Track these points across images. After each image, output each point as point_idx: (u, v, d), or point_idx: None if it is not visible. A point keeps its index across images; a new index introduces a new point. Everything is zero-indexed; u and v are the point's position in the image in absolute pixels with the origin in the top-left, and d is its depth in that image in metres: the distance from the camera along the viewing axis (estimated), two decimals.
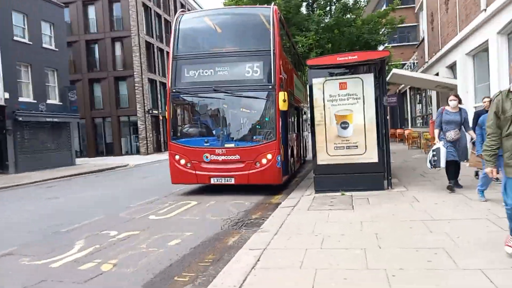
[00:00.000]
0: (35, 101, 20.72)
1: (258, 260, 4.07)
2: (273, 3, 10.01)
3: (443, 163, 6.74)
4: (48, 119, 21.11)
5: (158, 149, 34.12)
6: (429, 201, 6.36)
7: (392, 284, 3.24)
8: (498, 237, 4.12)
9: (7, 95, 18.76)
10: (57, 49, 22.76)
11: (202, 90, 9.15)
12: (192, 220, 6.68)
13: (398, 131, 25.21)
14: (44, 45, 21.84)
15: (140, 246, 5.13)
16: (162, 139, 35.76)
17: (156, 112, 34.40)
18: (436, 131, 7.08)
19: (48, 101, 21.74)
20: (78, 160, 25.36)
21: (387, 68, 20.34)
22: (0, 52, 18.57)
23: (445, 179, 7.22)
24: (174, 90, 9.21)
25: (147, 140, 32.02)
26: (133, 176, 16.03)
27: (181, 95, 9.33)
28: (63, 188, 13.00)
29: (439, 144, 6.84)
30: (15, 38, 19.77)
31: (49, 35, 22.52)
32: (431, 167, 6.95)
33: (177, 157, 9.15)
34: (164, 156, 29.80)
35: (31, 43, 20.79)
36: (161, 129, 35.47)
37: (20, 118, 19.06)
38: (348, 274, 3.51)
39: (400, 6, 30.09)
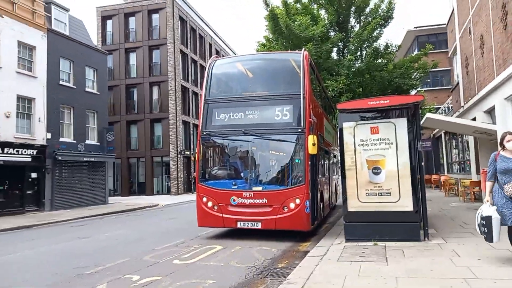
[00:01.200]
0: (75, 141, 21.73)
1: None
2: (303, 49, 10.19)
3: (496, 237, 5.20)
4: (85, 159, 21.97)
5: (188, 189, 34.38)
6: (471, 256, 5.84)
7: None
8: None
9: (49, 136, 19.81)
10: (98, 93, 24.10)
11: (232, 133, 9.20)
12: (216, 266, 6.46)
13: (434, 177, 24.15)
14: (87, 89, 23.21)
15: None
16: (192, 180, 36.08)
17: (188, 153, 35.07)
18: (489, 185, 5.47)
19: (87, 141, 22.73)
20: (111, 199, 25.92)
21: (420, 112, 20.00)
22: (46, 96, 19.88)
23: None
24: (204, 133, 9.33)
25: (178, 180, 32.43)
26: (162, 216, 16.05)
27: (211, 138, 9.41)
28: (93, 227, 13.15)
29: (490, 209, 5.28)
30: (60, 82, 21.16)
31: (92, 80, 23.97)
32: (482, 235, 5.49)
33: (204, 199, 9.09)
34: (194, 196, 29.95)
35: (75, 87, 22.17)
36: (192, 170, 35.91)
37: (60, 158, 19.93)
38: None
39: (432, 51, 30.07)
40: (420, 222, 7.36)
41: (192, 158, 35.25)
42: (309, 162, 8.60)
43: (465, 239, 7.19)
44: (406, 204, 7.34)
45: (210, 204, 8.99)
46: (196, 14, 40.05)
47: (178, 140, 33.14)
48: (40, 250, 8.91)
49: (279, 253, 7.40)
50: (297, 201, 8.37)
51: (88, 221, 15.13)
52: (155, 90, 34.14)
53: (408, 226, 7.32)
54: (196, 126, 37.52)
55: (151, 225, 13.00)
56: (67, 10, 23.10)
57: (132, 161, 33.74)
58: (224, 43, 47.72)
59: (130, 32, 35.22)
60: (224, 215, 8.81)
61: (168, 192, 32.57)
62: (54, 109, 20.33)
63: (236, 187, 8.90)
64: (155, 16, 35.00)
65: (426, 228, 7.43)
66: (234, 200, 8.76)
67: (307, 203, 8.39)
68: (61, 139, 20.81)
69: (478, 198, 14.20)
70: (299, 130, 8.69)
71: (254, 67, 10.09)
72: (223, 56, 46.67)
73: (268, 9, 16.06)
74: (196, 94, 38.29)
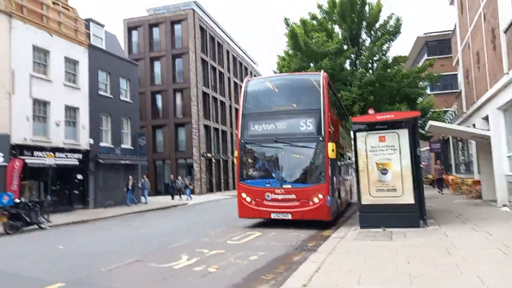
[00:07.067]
0: (112, 146, 24.08)
1: (319, 268, 5.80)
2: (322, 71, 12.17)
3: None
4: (122, 162, 24.30)
5: (210, 190, 36.56)
6: (456, 236, 7.76)
7: (413, 282, 4.85)
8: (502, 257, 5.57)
9: (91, 141, 22.18)
10: (131, 101, 26.46)
11: (265, 141, 11.29)
12: (261, 245, 8.51)
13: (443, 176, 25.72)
14: (121, 98, 25.57)
15: (229, 259, 7.03)
16: (214, 181, 38.28)
17: (210, 155, 37.27)
18: None
19: (122, 146, 25.08)
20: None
21: (429, 115, 21.73)
22: (89, 105, 22.27)
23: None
24: (242, 141, 11.42)
25: (201, 181, 34.66)
26: (196, 212, 18.18)
27: (248, 145, 11.51)
28: (142, 221, 15.34)
29: None
30: (100, 92, 23.54)
31: (125, 89, 26.33)
32: None
33: (243, 195, 11.17)
34: (216, 196, 32.29)
35: (111, 96, 24.54)
36: (213, 171, 38.13)
37: (101, 161, 22.29)
38: (382, 276, 5.17)
39: (441, 56, 31.46)
40: (419, 213, 9.27)
41: (214, 161, 37.50)
42: (329, 165, 10.60)
43: (456, 226, 9.09)
44: (408, 198, 9.26)
45: (248, 199, 11.07)
46: (215, 23, 42.29)
47: (201, 143, 35.37)
48: (118, 235, 11.06)
49: (307, 237, 9.41)
50: (320, 196, 10.39)
51: (134, 217, 17.35)
52: (178, 96, 36.45)
53: (410, 216, 9.22)
54: (216, 130, 39.77)
55: (192, 218, 15.17)
56: (103, 26, 25.48)
57: (158, 163, 36.10)
58: (241, 49, 49.85)
59: (154, 42, 37.60)
60: (260, 208, 10.88)
61: (192, 192, 34.79)
62: (95, 117, 22.70)
63: (269, 185, 10.96)
64: (177, 27, 37.32)
65: (425, 217, 9.34)
66: (268, 196, 10.82)
67: (328, 197, 10.39)
68: (101, 144, 23.17)
69: (478, 196, 15.98)
70: (320, 139, 10.72)
71: (282, 85, 12.15)
72: (240, 63, 48.79)
73: (289, 28, 18.06)
74: (215, 99, 40.49)
